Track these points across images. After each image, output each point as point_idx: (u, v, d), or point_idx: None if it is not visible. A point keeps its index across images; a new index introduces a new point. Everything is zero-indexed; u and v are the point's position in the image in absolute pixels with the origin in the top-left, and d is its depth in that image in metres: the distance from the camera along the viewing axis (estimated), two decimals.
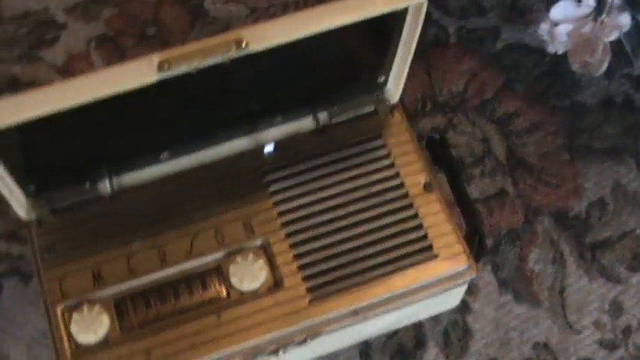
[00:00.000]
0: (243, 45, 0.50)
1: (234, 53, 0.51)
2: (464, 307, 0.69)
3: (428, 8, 0.77)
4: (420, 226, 0.62)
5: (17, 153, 0.57)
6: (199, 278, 0.60)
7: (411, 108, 0.77)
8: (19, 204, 0.60)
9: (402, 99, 0.65)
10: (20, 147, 0.57)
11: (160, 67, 0.50)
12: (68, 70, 0.80)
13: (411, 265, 0.60)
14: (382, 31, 0.59)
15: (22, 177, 0.59)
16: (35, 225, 0.62)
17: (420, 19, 0.56)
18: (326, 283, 0.60)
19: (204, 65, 0.51)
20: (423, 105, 0.78)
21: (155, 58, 0.51)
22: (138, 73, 0.50)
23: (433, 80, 0.79)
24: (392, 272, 0.60)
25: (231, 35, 0.51)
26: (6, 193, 0.58)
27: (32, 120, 0.50)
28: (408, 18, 0.56)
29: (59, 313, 0.59)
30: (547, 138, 0.77)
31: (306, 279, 0.60)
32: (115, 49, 0.82)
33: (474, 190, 0.74)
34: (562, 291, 0.70)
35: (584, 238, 0.72)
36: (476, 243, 0.62)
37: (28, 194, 0.61)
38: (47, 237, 0.62)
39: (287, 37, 0.52)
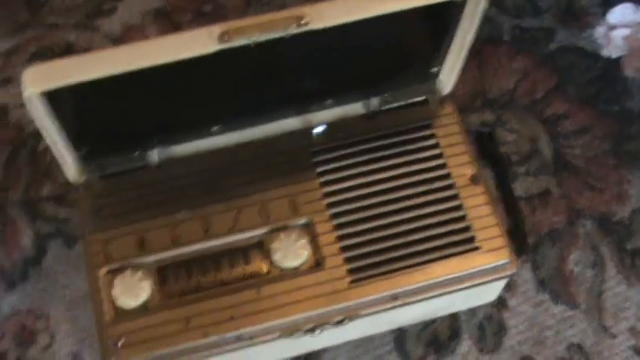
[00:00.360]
0: (304, 22, 0.51)
1: (294, 29, 0.51)
2: (500, 302, 0.69)
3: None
4: (463, 217, 0.62)
5: (72, 117, 0.57)
6: (241, 252, 0.61)
7: (460, 102, 0.77)
8: (70, 167, 0.61)
9: (452, 95, 0.66)
10: (75, 111, 0.57)
11: (221, 38, 0.51)
12: (123, 41, 0.81)
13: (452, 255, 0.61)
14: (440, 20, 0.59)
15: (74, 141, 0.59)
16: (84, 189, 0.63)
17: (479, 11, 0.56)
18: (367, 267, 0.60)
19: (263, 39, 0.51)
20: (473, 100, 0.78)
21: (216, 29, 0.51)
22: (198, 42, 0.51)
23: (484, 76, 0.79)
24: (433, 260, 0.60)
25: (293, 11, 0.51)
26: (58, 156, 0.59)
27: (88, 83, 0.51)
28: (466, 9, 0.56)
29: (102, 276, 0.60)
30: (594, 142, 0.76)
31: (347, 261, 0.60)
32: (170, 24, 0.82)
33: (519, 188, 0.74)
34: (600, 294, 0.70)
35: (626, 244, 0.72)
36: (518, 239, 0.63)
37: (79, 158, 0.61)
38: (95, 201, 0.63)
39: (348, 17, 0.52)
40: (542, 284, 0.70)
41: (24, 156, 0.76)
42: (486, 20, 0.82)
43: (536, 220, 0.73)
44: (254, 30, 0.51)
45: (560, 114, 0.78)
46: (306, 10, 0.51)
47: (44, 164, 0.76)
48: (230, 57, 0.52)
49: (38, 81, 0.51)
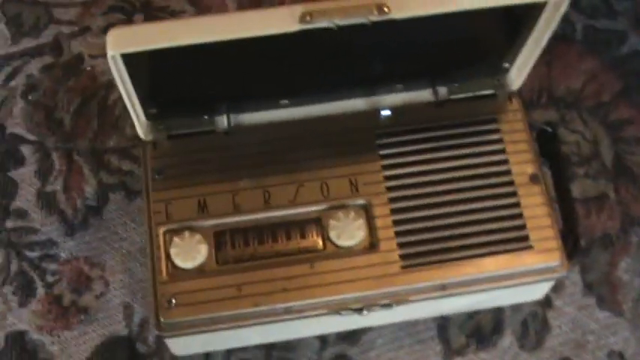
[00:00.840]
0: (385, 10, 0.51)
1: (375, 17, 0.51)
2: (546, 301, 0.70)
3: None
4: (520, 215, 0.62)
5: (147, 77, 0.59)
6: (299, 226, 0.62)
7: (526, 97, 0.77)
8: (141, 124, 0.63)
9: (519, 89, 0.66)
10: (150, 72, 0.59)
11: (302, 19, 0.51)
12: (201, 2, 0.83)
13: (505, 252, 0.61)
14: (517, 19, 0.59)
15: (147, 99, 0.61)
16: (151, 147, 0.64)
17: (557, 16, 0.56)
18: (420, 254, 0.61)
19: (344, 23, 0.52)
20: (539, 96, 0.78)
21: (298, 9, 0.52)
22: (280, 21, 0.52)
23: (552, 74, 0.79)
24: (485, 255, 0.61)
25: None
26: (131, 112, 0.60)
27: (167, 49, 0.52)
28: (545, 13, 0.56)
29: (161, 235, 0.62)
30: None
31: (401, 246, 0.61)
32: None
33: (575, 190, 0.74)
34: None
35: None
36: (570, 242, 0.63)
37: (150, 116, 0.63)
38: (160, 160, 0.64)
39: (429, 10, 0.52)
40: (589, 288, 0.71)
41: (94, 106, 0.77)
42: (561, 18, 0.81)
43: (589, 224, 0.73)
44: (336, 13, 0.51)
45: (624, 119, 0.77)
46: None
47: (113, 116, 0.77)
48: (306, 36, 0.53)
49: (121, 43, 0.52)
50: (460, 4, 0.53)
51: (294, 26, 0.52)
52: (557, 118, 0.77)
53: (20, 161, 0.76)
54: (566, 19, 0.81)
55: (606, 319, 0.70)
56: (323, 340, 0.69)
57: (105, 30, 0.77)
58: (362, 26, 0.52)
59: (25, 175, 0.76)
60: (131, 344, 0.69)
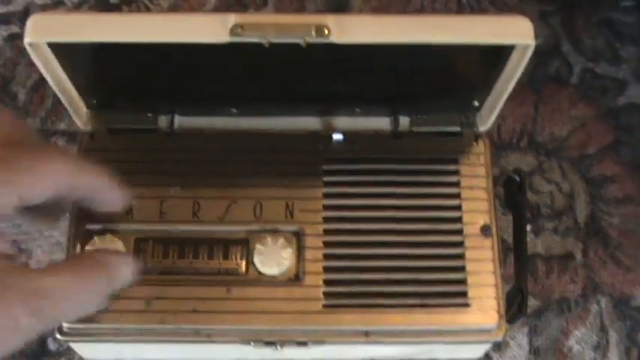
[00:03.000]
0: (325, 33, 0.47)
1: (312, 39, 0.47)
2: None
3: (558, 40, 0.72)
4: (462, 268, 0.57)
5: (86, 65, 0.55)
6: (223, 245, 0.58)
7: (506, 138, 0.72)
8: (78, 113, 0.60)
9: (498, 128, 0.61)
10: (89, 61, 0.55)
11: (233, 31, 0.47)
12: None
13: (439, 306, 0.56)
14: (486, 56, 0.55)
15: (87, 88, 0.58)
16: (88, 137, 0.61)
17: (524, 60, 0.51)
18: (346, 294, 0.56)
19: (277, 41, 0.48)
20: (519, 138, 0.73)
21: (231, 19, 0.48)
22: (210, 30, 0.48)
23: (538, 116, 0.73)
24: (416, 306, 0.56)
25: (314, 19, 0.47)
26: (63, 100, 0.57)
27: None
28: (514, 56, 0.51)
29: (81, 232, 0.58)
30: (636, 215, 0.70)
31: (327, 283, 0.57)
32: None
33: (540, 245, 0.69)
34: None
35: (638, 334, 0.66)
36: (516, 303, 0.58)
37: (90, 106, 0.60)
38: (95, 153, 0.60)
39: (374, 39, 0.48)
40: (535, 353, 0.65)
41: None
42: (558, 56, 0.76)
43: (548, 284, 0.68)
44: (269, 29, 0.47)
45: (607, 176, 0.72)
46: (330, 19, 0.47)
47: None
48: (252, 45, 0.49)
49: (40, 31, 0.49)
50: (409, 37, 0.48)
51: (223, 37, 0.48)
52: (535, 165, 0.72)
53: None
54: (563, 59, 0.76)
55: None
56: None
57: (78, 6, 0.74)
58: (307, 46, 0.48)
59: None
60: (42, 340, 0.65)
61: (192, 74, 0.58)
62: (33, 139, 0.46)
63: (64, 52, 0.52)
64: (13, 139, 0.44)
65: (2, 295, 0.39)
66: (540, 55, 0.75)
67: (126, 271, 0.47)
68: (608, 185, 0.71)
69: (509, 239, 0.61)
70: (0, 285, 0.39)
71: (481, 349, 0.62)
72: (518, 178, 0.62)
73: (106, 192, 0.48)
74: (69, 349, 0.65)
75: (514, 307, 0.58)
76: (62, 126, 0.73)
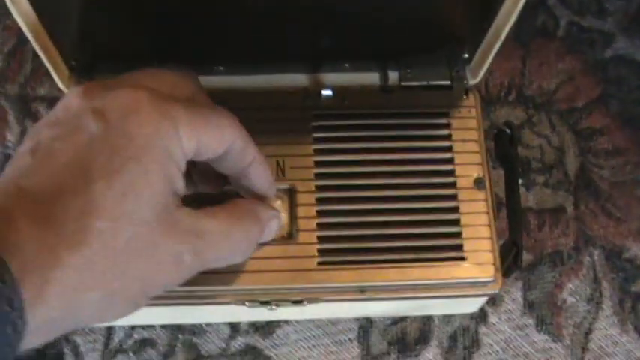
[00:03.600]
0: None
1: None
2: (481, 315, 0.65)
3: None
4: (456, 222, 0.56)
5: (66, 23, 0.54)
6: (211, 204, 0.57)
7: (494, 92, 0.71)
8: (60, 74, 0.58)
9: (486, 82, 0.60)
10: (70, 18, 0.54)
11: None
12: None
13: (434, 260, 0.55)
14: (476, 6, 0.54)
15: (68, 48, 0.56)
16: None
17: (517, 9, 0.50)
18: (340, 251, 0.55)
19: None
20: (508, 92, 0.72)
21: None
22: None
23: (526, 70, 0.73)
24: (411, 260, 0.55)
25: None
26: (45, 60, 0.55)
27: None
28: (506, 3, 0.51)
29: None
30: (626, 167, 0.70)
31: (321, 239, 0.56)
32: None
33: (532, 199, 0.68)
34: (588, 332, 0.64)
35: (630, 285, 0.66)
36: (511, 255, 0.57)
37: (71, 67, 0.58)
38: None
39: None
40: (529, 307, 0.65)
41: (29, 49, 0.72)
42: (544, 10, 0.75)
43: (540, 237, 0.67)
44: None
45: (596, 129, 0.71)
46: None
47: None
48: None
49: None
50: None
51: None
52: (524, 118, 0.71)
53: None
54: (549, 13, 0.75)
55: (543, 343, 0.64)
56: (234, 327, 0.64)
57: None
58: None
59: None
60: None
61: (176, 31, 0.56)
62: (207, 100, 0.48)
63: (44, 5, 0.51)
64: (193, 89, 0.46)
65: (172, 231, 0.40)
66: (526, 9, 0.74)
67: (273, 224, 0.49)
68: (597, 138, 0.71)
69: (501, 194, 0.60)
70: (169, 219, 0.40)
71: (476, 304, 0.62)
72: (508, 131, 0.61)
73: (265, 167, 0.48)
74: None
75: (509, 260, 0.57)
76: (42, 91, 0.71)
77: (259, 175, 0.48)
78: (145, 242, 0.38)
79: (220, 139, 0.43)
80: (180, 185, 0.41)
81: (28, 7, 0.50)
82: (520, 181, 0.69)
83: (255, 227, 0.46)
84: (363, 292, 0.56)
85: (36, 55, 0.70)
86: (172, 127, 0.39)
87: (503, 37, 0.54)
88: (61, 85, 0.59)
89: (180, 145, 0.40)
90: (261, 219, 0.47)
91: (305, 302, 0.56)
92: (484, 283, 0.56)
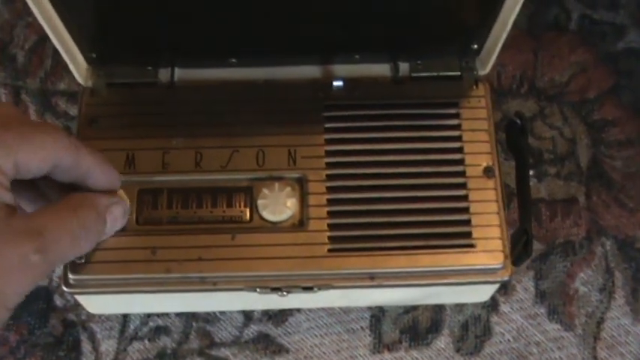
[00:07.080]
0: None
1: None
2: (492, 304, 0.65)
3: None
4: (466, 210, 0.57)
5: (85, 17, 0.55)
6: (226, 193, 0.58)
7: (506, 84, 0.72)
8: (78, 68, 0.59)
9: (499, 75, 0.60)
10: (89, 12, 0.55)
11: None
12: None
13: (444, 247, 0.56)
14: None
15: (87, 42, 0.57)
16: (88, 93, 0.61)
17: None
18: (351, 238, 0.56)
19: None
20: (520, 85, 0.72)
21: None
22: None
23: (538, 62, 0.73)
24: (421, 247, 0.56)
25: None
26: (63, 54, 0.57)
27: None
28: None
29: None
30: (638, 158, 0.70)
31: (331, 227, 0.57)
32: None
33: (544, 189, 0.69)
34: (600, 322, 0.65)
35: None
36: (521, 244, 0.58)
37: (90, 61, 0.60)
38: (95, 108, 0.60)
39: None
40: (541, 296, 0.66)
41: (50, 46, 0.74)
42: (555, 3, 0.75)
43: (552, 227, 0.68)
44: None
45: (608, 120, 0.72)
46: None
47: None
48: None
49: None
50: None
51: None
52: (537, 110, 0.71)
53: None
54: (561, 6, 0.75)
55: (554, 332, 0.65)
56: (248, 315, 0.65)
57: None
58: None
59: None
60: (49, 296, 0.66)
61: (190, 24, 0.57)
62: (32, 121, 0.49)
63: (62, 2, 0.52)
64: (13, 116, 0.46)
65: (10, 237, 0.41)
66: (538, 3, 0.74)
67: (115, 210, 0.51)
68: (609, 129, 0.71)
69: (513, 185, 0.61)
70: (6, 227, 0.41)
71: (487, 293, 0.62)
72: (519, 122, 0.62)
73: (103, 169, 0.50)
74: (76, 305, 0.65)
75: (519, 248, 0.57)
76: (62, 86, 0.73)
77: (98, 178, 0.49)
78: None
79: (44, 157, 0.44)
80: (8, 197, 0.42)
81: (46, 3, 0.51)
82: (532, 172, 0.69)
83: (91, 215, 0.48)
84: (373, 279, 0.57)
85: (56, 51, 0.72)
86: None
87: (509, 26, 0.55)
88: (79, 79, 0.60)
89: None
90: (98, 206, 0.49)
91: (315, 289, 0.57)
92: (493, 270, 0.57)
